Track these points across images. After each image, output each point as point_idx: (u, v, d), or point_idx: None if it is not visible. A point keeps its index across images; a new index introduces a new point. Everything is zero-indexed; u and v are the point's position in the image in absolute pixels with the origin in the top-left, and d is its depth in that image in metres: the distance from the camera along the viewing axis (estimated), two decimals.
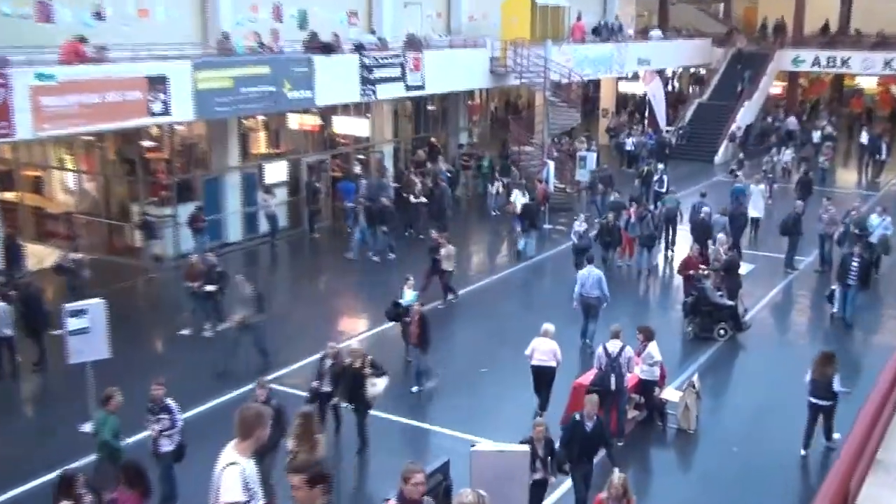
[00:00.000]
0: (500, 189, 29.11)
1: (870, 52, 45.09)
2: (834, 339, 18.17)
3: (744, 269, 20.71)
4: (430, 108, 34.10)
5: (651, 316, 19.69)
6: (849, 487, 4.10)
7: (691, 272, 19.17)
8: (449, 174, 29.53)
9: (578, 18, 36.76)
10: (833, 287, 19.46)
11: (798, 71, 47.60)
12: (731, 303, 18.42)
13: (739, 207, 24.70)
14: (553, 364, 14.42)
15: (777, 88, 51.24)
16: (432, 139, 32.92)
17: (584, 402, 11.74)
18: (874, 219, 22.58)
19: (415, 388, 15.45)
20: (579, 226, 22.07)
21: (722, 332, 18.13)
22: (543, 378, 14.50)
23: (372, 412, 13.54)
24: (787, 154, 35.43)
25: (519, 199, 25.99)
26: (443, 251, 19.89)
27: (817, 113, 48.75)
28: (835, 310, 19.32)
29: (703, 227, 22.89)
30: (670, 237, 24.94)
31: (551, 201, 28.50)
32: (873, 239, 21.88)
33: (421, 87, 27.34)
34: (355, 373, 13.05)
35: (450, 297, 20.10)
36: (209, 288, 17.30)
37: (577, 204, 29.53)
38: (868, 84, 53.30)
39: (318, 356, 13.92)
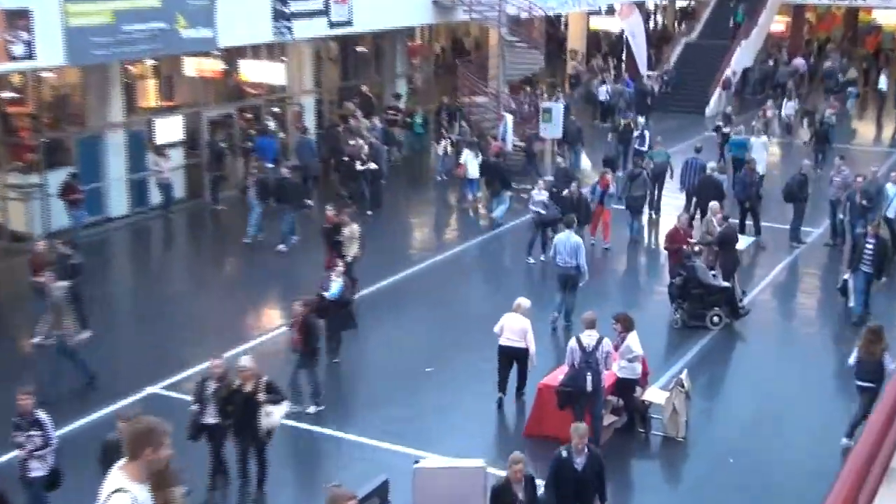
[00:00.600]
0: (448, 149, 29.09)
1: None
2: (849, 333, 18.38)
3: (741, 243, 20.92)
4: (360, 49, 33.84)
5: (632, 300, 19.81)
6: (857, 499, 4.13)
7: (679, 247, 19.31)
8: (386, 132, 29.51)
9: None
10: (845, 276, 19.19)
11: (804, 4, 48.15)
12: (726, 284, 18.62)
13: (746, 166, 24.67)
14: (522, 345, 14.88)
15: (779, 25, 51.83)
16: (363, 88, 32.72)
17: (569, 432, 11.03)
18: (890, 188, 22.07)
19: (311, 409, 14.76)
20: (538, 194, 22.06)
21: (716, 319, 18.34)
22: (511, 361, 15.04)
23: (288, 423, 13.44)
24: (790, 106, 35.62)
25: (470, 160, 25.99)
26: (345, 231, 18.95)
27: (826, 54, 49.41)
28: (850, 303, 18.93)
29: (712, 186, 23.13)
30: (656, 199, 25.52)
31: (510, 162, 28.52)
32: (890, 213, 21.57)
33: (348, 24, 27.12)
34: (246, 398, 12.35)
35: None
36: (58, 285, 16.23)
37: (541, 166, 29.61)
38: (887, 19, 54.15)
39: (207, 364, 13.23)
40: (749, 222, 23.49)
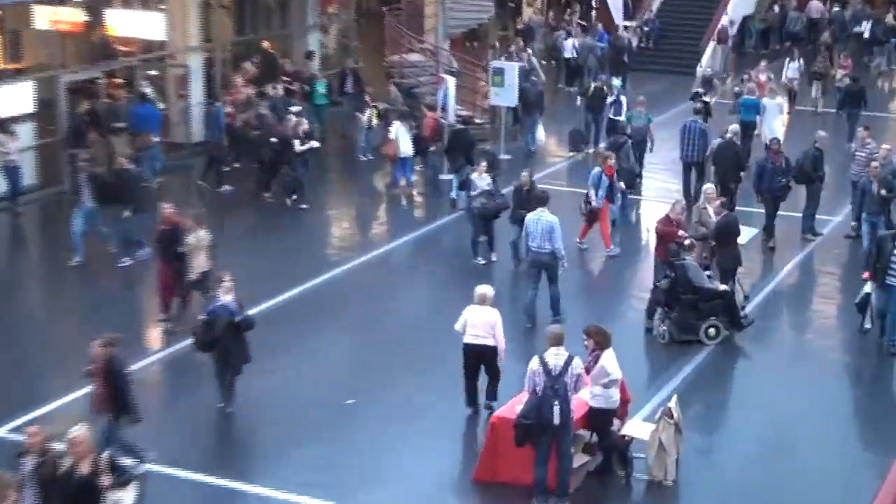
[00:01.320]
0: (374, 121, 28.96)
1: None
2: (872, 364, 18.45)
3: (744, 235, 21.11)
4: None
5: (607, 307, 19.92)
6: None
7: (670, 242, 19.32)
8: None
9: None
10: (866, 290, 18.72)
11: None
12: (724, 288, 18.77)
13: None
14: (491, 342, 15.50)
15: None
16: (265, 45, 32.57)
17: (530, 476, 10.93)
18: None
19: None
20: (479, 178, 22.08)
21: (712, 331, 18.48)
22: (478, 361, 15.68)
23: (170, 471, 13.29)
24: (793, 68, 35.28)
25: (402, 135, 25.98)
26: (190, 238, 18.48)
27: None
28: (867, 325, 18.55)
29: (732, 155, 24.25)
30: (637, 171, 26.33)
31: (476, 132, 28.51)
32: None
33: None
34: (82, 483, 11.43)
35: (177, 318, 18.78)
36: None
37: (496, 143, 29.61)
38: None
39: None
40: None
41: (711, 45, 40.75)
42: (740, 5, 42.60)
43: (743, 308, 19.13)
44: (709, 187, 20.98)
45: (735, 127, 25.66)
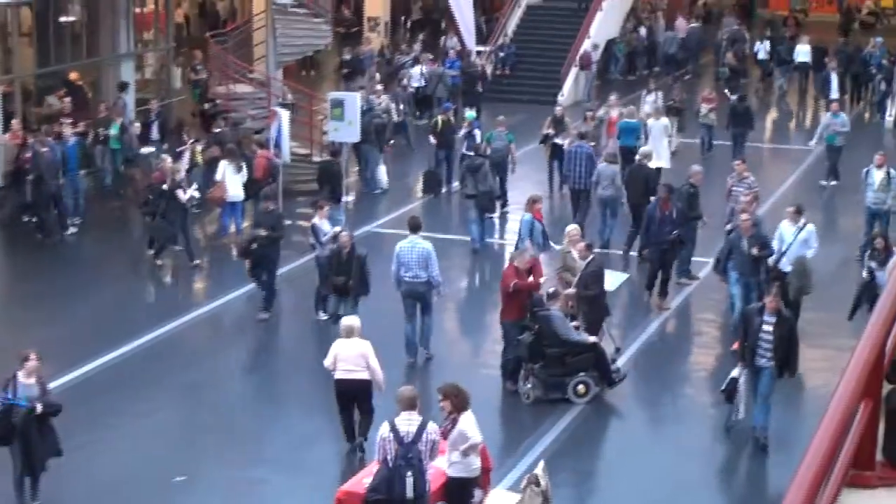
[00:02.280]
0: (198, 160, 28.51)
1: None
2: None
3: (613, 281, 21.34)
4: (65, 20, 33.25)
5: (465, 359, 19.96)
6: None
7: (520, 293, 19.31)
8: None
9: None
10: (733, 374, 17.65)
11: None
12: (593, 340, 18.93)
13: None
14: (364, 376, 16.22)
15: None
16: (72, 76, 32.16)
17: None
18: (785, 227, 21.44)
19: None
20: (321, 221, 21.90)
21: (581, 388, 18.60)
22: (353, 397, 16.41)
23: None
24: (650, 101, 34.17)
25: (230, 176, 25.78)
26: None
27: (719, 18, 51.40)
28: (740, 415, 17.58)
29: (642, 180, 25.04)
30: (499, 193, 27.72)
31: (290, 178, 28.48)
32: (786, 265, 20.90)
33: None
34: None
35: None
36: None
37: (339, 183, 29.52)
38: None
39: None
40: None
41: (574, 71, 41.30)
42: (604, 28, 43.24)
43: (614, 361, 19.31)
44: (573, 228, 21.11)
45: (646, 149, 26.90)
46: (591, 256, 20.24)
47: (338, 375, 16.31)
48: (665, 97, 34.76)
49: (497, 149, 28.00)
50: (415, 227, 19.99)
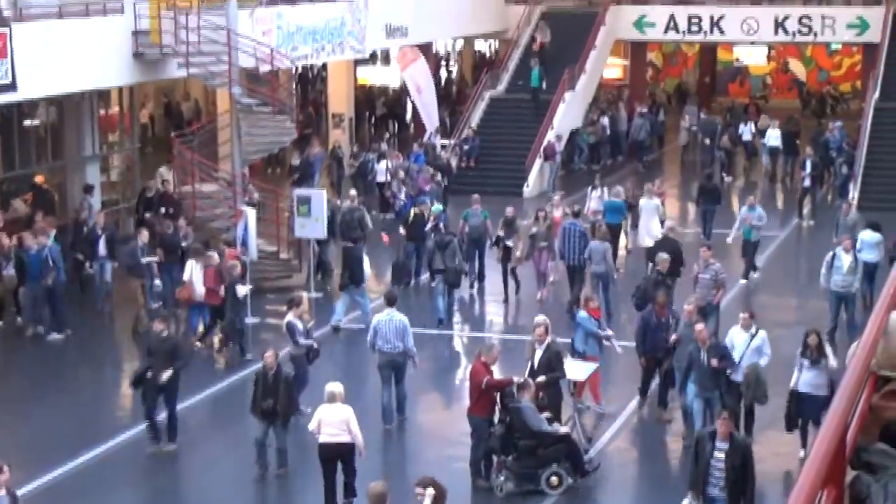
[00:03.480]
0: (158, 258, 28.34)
1: (753, 6, 48.58)
2: None
3: (583, 370, 21.31)
4: (30, 124, 33.32)
5: (437, 457, 19.92)
6: None
7: (489, 390, 19.19)
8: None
9: None
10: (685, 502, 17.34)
11: (645, 40, 50.53)
12: (565, 430, 18.94)
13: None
14: (347, 439, 17.35)
15: (615, 69, 54.15)
16: (38, 179, 32.22)
17: None
18: (736, 334, 20.49)
19: None
20: (295, 319, 21.85)
21: (554, 479, 18.58)
22: (336, 460, 17.45)
23: None
24: (595, 197, 33.54)
25: (196, 274, 25.79)
26: None
27: (680, 106, 51.93)
28: None
29: (670, 251, 25.33)
30: (477, 268, 29.16)
31: (258, 275, 28.60)
32: (738, 375, 19.91)
33: (10, 88, 26.72)
34: None
35: None
36: None
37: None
38: (753, 58, 57.43)
39: None
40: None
41: (538, 162, 41.59)
42: (566, 119, 43.62)
43: (587, 452, 19.31)
44: (541, 319, 20.98)
45: (670, 223, 28.31)
46: (548, 342, 20.11)
47: (322, 439, 17.37)
48: (610, 191, 33.38)
49: (474, 226, 29.60)
50: (391, 301, 21.38)
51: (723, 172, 43.01)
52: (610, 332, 22.72)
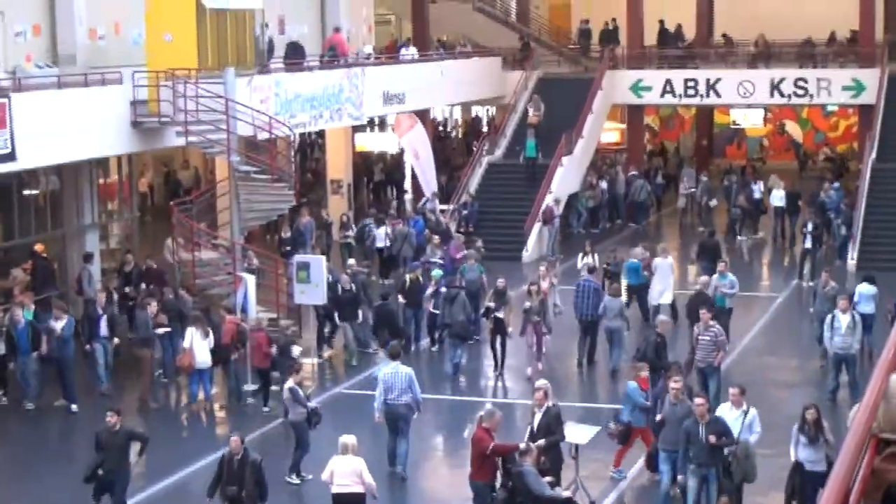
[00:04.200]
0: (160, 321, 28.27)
1: (748, 69, 48.89)
2: None
3: (584, 434, 21.22)
4: (29, 193, 33.42)
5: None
6: None
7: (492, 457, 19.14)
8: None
9: (336, 30, 38.66)
10: None
11: (642, 104, 50.80)
12: (567, 495, 18.89)
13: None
14: (360, 490, 18.17)
15: (613, 133, 54.41)
16: (37, 247, 32.25)
17: None
18: (726, 412, 19.95)
19: None
20: (293, 384, 22.04)
21: None
22: None
23: None
24: (586, 263, 32.69)
25: (197, 342, 25.82)
26: None
27: (680, 169, 52.08)
28: None
29: (703, 304, 26.36)
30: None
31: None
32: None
33: (9, 158, 26.83)
34: None
35: None
36: None
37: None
38: (749, 121, 57.66)
39: None
40: None
41: (537, 226, 41.67)
42: (565, 183, 43.76)
43: None
44: (541, 383, 20.98)
45: (705, 279, 29.57)
46: (547, 406, 20.14)
47: (334, 490, 18.17)
48: (601, 259, 33.97)
49: (471, 280, 30.88)
50: (395, 355, 22.41)
51: (739, 232, 43.42)
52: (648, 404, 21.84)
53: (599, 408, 26.07)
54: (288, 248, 37.01)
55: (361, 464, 18.29)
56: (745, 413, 19.71)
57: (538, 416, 19.99)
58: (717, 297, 28.98)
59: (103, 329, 27.43)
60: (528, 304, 28.38)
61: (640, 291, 31.98)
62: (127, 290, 31.09)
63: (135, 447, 20.38)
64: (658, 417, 20.66)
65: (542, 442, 19.36)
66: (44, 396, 26.63)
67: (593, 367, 28.84)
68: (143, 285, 30.80)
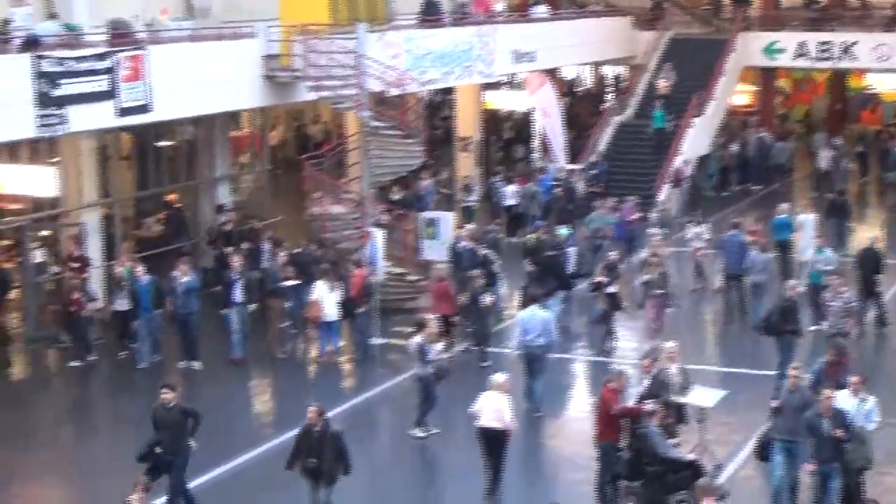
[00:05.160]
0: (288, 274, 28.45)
1: (885, 32, 47.81)
2: None
3: (711, 397, 21.04)
4: (164, 144, 33.83)
5: (562, 472, 19.79)
6: None
7: (617, 416, 19.08)
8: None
9: None
10: None
11: (774, 66, 49.99)
12: (692, 457, 18.73)
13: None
14: (498, 425, 18.94)
15: (743, 96, 53.61)
16: (171, 198, 32.65)
17: None
18: (844, 398, 18.80)
19: None
20: (422, 340, 22.08)
21: None
22: (489, 444, 19.11)
23: None
24: (697, 231, 32.35)
25: (325, 294, 26.00)
26: None
27: (810, 134, 51.27)
28: None
29: (873, 259, 28.00)
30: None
31: (385, 297, 28.71)
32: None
33: (145, 110, 27.14)
34: None
35: None
36: None
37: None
38: (886, 85, 56.45)
39: None
40: None
41: (666, 187, 41.29)
42: (695, 144, 43.29)
43: (716, 477, 19.06)
44: (671, 345, 20.87)
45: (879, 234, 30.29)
46: (654, 372, 20.10)
47: (479, 423, 19.10)
48: (711, 230, 32.89)
49: (596, 230, 32.48)
50: (534, 299, 24.00)
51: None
52: None
53: (736, 373, 25.68)
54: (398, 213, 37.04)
55: (504, 402, 19.04)
56: (863, 401, 18.88)
57: (645, 382, 19.98)
58: (812, 274, 28.26)
59: (238, 294, 26.93)
60: (646, 276, 27.21)
61: (784, 247, 32.07)
62: (226, 250, 30.65)
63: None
64: (775, 404, 19.70)
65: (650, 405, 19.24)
66: (168, 354, 26.78)
67: (736, 326, 29.14)
68: (243, 245, 30.51)
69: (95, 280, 28.64)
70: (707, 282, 31.71)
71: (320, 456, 17.79)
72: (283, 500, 19.55)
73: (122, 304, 26.72)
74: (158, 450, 18.44)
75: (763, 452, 19.43)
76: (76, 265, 27.89)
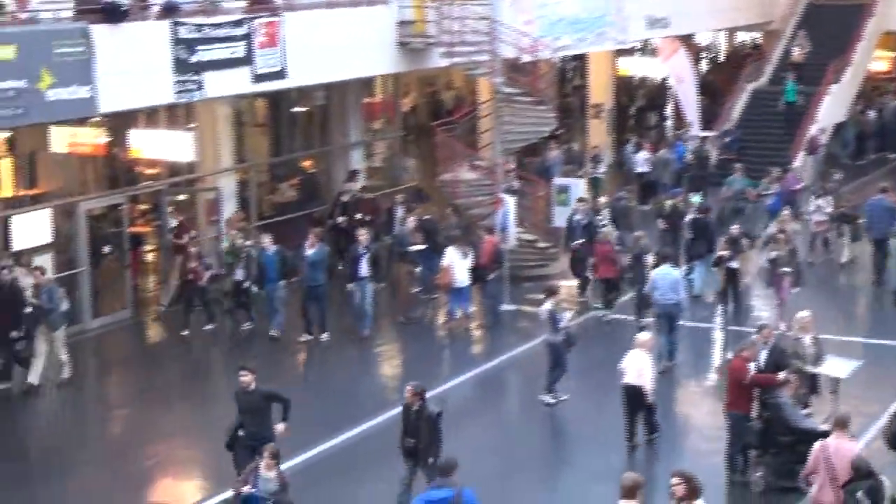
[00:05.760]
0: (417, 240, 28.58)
1: None
2: None
3: (844, 368, 20.78)
4: (298, 111, 34.08)
5: (691, 450, 19.75)
6: None
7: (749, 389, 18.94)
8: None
9: None
10: None
11: None
12: (825, 427, 18.51)
13: None
14: (639, 382, 19.65)
15: (883, 63, 52.58)
16: (305, 164, 32.87)
17: None
18: None
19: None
20: (551, 306, 22.07)
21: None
22: (632, 402, 19.89)
23: None
24: (817, 204, 31.88)
25: (456, 261, 26.06)
26: None
27: None
28: None
29: None
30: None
31: (515, 264, 28.67)
32: None
33: (280, 76, 27.38)
34: None
35: None
36: None
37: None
38: None
39: None
40: None
41: (801, 155, 40.71)
42: (831, 112, 42.62)
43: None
44: (805, 315, 20.62)
45: None
46: (773, 343, 19.60)
47: (623, 381, 19.84)
48: (835, 202, 31.89)
49: (737, 191, 32.84)
50: (666, 258, 24.46)
51: None
52: None
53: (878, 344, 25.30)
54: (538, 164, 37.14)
55: (645, 361, 19.79)
56: None
57: (763, 354, 19.55)
58: None
59: (364, 269, 26.24)
60: (773, 253, 26.27)
61: None
62: (339, 220, 30.75)
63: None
64: None
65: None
66: (294, 326, 26.48)
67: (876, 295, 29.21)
68: (357, 216, 30.29)
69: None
70: (833, 255, 31.37)
71: (417, 435, 17.29)
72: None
73: (239, 275, 26.47)
74: (241, 433, 17.66)
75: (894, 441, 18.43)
76: (190, 236, 28.14)
